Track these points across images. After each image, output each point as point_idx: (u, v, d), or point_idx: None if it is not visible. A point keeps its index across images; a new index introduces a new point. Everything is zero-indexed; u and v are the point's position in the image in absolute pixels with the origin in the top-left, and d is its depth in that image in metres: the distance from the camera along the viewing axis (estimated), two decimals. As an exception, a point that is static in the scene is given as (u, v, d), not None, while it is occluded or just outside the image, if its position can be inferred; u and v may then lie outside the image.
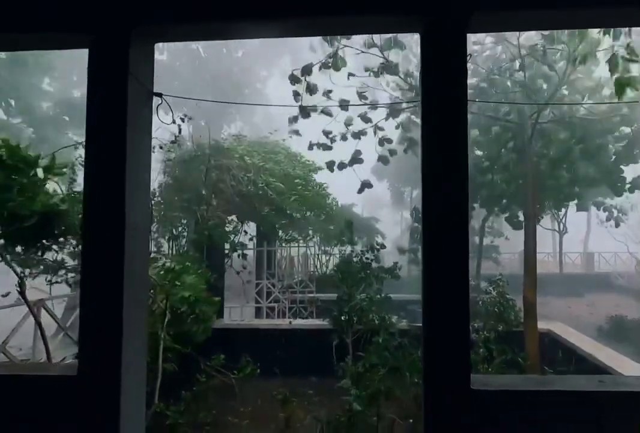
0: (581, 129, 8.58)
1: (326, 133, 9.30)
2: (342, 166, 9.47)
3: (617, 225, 12.82)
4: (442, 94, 1.90)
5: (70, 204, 3.77)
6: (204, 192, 8.40)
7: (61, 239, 4.21)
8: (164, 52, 21.64)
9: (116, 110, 1.94)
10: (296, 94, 8.42)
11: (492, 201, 10.47)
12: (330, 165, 9.52)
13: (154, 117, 2.22)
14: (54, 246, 4.31)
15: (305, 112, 8.67)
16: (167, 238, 8.24)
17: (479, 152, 10.11)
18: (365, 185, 9.85)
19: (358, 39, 9.10)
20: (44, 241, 4.11)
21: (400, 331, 6.36)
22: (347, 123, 9.25)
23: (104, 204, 1.94)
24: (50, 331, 6.93)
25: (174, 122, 2.44)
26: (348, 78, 9.15)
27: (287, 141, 10.69)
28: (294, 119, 8.95)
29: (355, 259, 7.30)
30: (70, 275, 4.87)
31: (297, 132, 9.28)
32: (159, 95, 2.17)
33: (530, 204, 8.16)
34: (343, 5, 1.94)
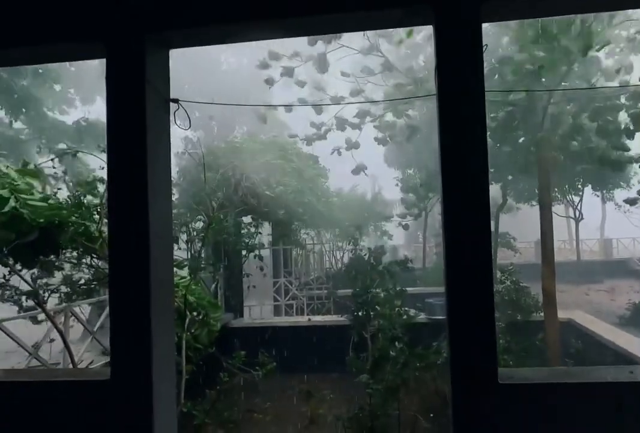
0: (591, 104, 8.37)
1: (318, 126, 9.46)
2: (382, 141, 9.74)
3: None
4: (458, 87, 1.88)
5: (68, 213, 3.75)
6: (218, 194, 8.46)
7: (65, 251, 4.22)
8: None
9: (135, 118, 1.97)
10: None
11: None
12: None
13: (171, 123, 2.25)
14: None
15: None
16: (185, 240, 8.31)
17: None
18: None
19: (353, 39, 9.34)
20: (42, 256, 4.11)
21: (407, 322, 6.38)
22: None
23: (127, 212, 1.97)
24: (79, 334, 7.09)
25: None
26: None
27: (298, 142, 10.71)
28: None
29: (365, 256, 7.34)
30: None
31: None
32: (176, 101, 2.19)
33: (545, 192, 8.06)
34: (355, 0, 1.94)
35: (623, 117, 8.79)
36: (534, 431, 1.78)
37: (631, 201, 12.19)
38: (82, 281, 4.69)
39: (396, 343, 5.87)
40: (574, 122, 8.50)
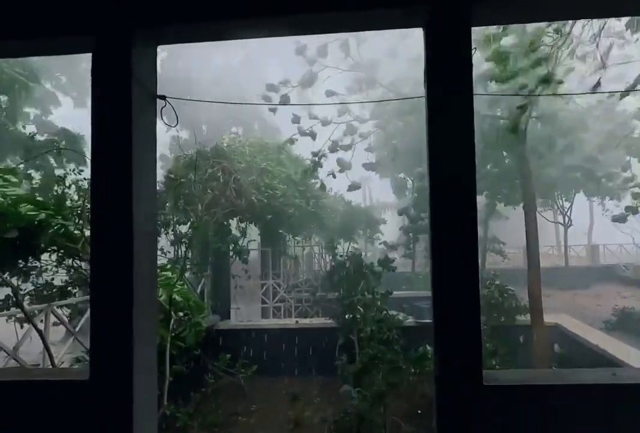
0: (564, 124, 8.73)
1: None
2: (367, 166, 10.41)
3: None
4: (447, 89, 1.89)
5: (47, 216, 3.64)
6: (206, 195, 8.39)
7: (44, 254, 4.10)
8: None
9: (121, 114, 1.94)
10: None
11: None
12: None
13: (158, 121, 2.22)
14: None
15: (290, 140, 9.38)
16: (170, 241, 8.23)
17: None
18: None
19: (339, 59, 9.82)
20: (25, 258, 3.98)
21: (394, 326, 6.39)
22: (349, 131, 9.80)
23: (111, 209, 1.93)
24: (61, 335, 6.94)
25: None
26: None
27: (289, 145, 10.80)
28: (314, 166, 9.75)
29: (344, 258, 7.37)
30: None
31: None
32: (163, 98, 2.16)
33: (529, 198, 8.16)
34: (344, 0, 1.93)
35: (594, 135, 9.13)
36: (519, 432, 1.77)
37: (620, 219, 12.47)
38: (60, 283, 4.55)
39: (384, 346, 5.87)
40: (550, 139, 8.83)
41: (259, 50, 23.81)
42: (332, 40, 9.91)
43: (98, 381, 1.87)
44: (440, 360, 1.81)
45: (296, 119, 9.81)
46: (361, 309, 6.66)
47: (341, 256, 7.69)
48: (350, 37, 9.63)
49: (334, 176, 10.64)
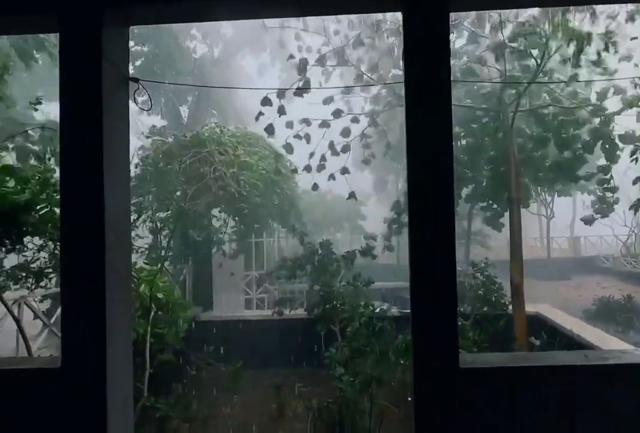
0: (553, 121, 8.82)
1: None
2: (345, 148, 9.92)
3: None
4: (425, 74, 1.87)
5: (32, 196, 3.46)
6: (185, 186, 8.29)
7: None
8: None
9: (90, 96, 1.88)
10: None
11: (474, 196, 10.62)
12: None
13: (131, 104, 2.16)
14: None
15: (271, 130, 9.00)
16: (149, 231, 8.10)
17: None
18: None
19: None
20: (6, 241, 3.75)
21: (377, 316, 6.42)
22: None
23: (81, 196, 1.87)
24: (37, 328, 6.78)
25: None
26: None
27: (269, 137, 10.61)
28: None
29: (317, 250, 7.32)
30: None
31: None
32: (136, 80, 2.10)
33: (513, 189, 8.23)
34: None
35: (584, 132, 9.20)
36: (494, 413, 1.79)
37: (588, 221, 12.71)
38: (39, 265, 4.30)
39: (367, 336, 5.88)
40: (539, 134, 8.93)
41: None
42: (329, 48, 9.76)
43: (70, 369, 1.83)
44: (417, 344, 1.82)
45: (289, 124, 9.49)
46: (341, 299, 6.65)
47: (309, 243, 7.59)
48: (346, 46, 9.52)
49: (334, 178, 10.30)
